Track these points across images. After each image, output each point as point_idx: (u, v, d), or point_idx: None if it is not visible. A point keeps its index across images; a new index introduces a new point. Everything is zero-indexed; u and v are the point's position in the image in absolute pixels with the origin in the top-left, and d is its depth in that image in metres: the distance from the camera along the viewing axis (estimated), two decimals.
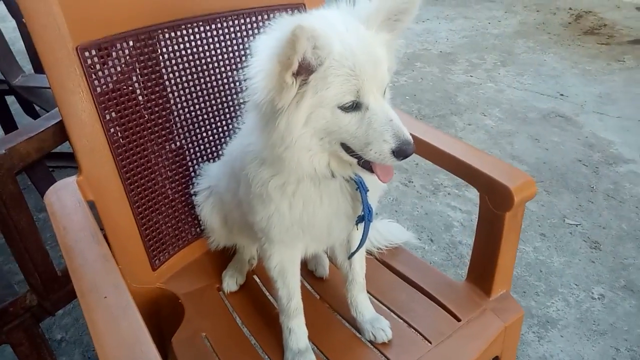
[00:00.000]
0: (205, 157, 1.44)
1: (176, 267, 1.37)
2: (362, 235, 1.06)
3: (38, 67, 2.17)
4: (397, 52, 0.97)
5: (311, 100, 0.84)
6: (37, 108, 2.34)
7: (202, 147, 1.43)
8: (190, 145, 1.41)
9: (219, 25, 1.37)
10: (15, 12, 2.21)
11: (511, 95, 3.62)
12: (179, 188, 1.38)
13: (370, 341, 1.18)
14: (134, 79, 1.25)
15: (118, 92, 1.21)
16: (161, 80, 1.31)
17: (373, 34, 0.89)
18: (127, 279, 1.25)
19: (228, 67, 1.42)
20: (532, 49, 4.41)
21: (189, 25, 1.33)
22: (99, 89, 1.17)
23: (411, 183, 2.68)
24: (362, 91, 0.85)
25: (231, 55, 1.41)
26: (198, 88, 1.39)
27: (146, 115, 1.28)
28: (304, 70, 0.82)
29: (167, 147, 1.35)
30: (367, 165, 0.92)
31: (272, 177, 0.98)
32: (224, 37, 1.39)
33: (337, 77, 0.83)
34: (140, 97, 1.27)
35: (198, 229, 1.42)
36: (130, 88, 1.24)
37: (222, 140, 1.45)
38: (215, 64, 1.40)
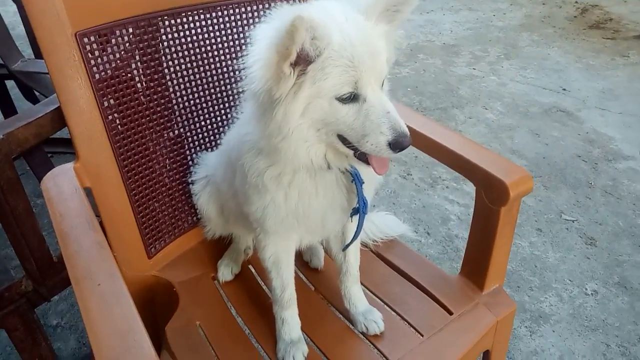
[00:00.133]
0: (203, 146, 1.44)
1: (172, 256, 1.38)
2: (357, 228, 1.06)
3: (38, 53, 2.16)
4: (397, 43, 0.97)
5: (309, 90, 0.84)
6: (37, 93, 2.33)
7: (200, 135, 1.43)
8: (188, 133, 1.41)
9: (220, 14, 1.37)
10: None
11: (513, 89, 3.60)
12: (177, 176, 1.38)
13: (362, 333, 1.19)
14: (133, 66, 1.25)
15: (117, 79, 1.21)
16: (160, 68, 1.30)
17: (372, 25, 0.89)
18: (122, 266, 1.25)
19: (228, 56, 1.41)
20: (537, 42, 4.38)
21: (189, 13, 1.32)
22: (97, 76, 1.17)
23: (409, 176, 2.68)
24: (360, 83, 0.85)
25: (231, 43, 1.40)
26: (197, 76, 1.39)
27: (145, 103, 1.28)
28: (302, 61, 0.82)
29: (166, 135, 1.35)
30: (363, 157, 0.92)
31: (268, 168, 0.98)
32: (224, 26, 1.38)
33: (336, 67, 0.83)
34: (139, 85, 1.26)
35: (195, 218, 1.43)
36: (129, 75, 1.24)
37: (221, 129, 1.45)
38: (215, 52, 1.39)
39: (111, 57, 1.19)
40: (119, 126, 1.23)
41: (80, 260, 0.91)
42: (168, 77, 1.33)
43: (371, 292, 1.30)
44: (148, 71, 1.27)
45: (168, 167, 1.36)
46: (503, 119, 3.23)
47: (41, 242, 1.33)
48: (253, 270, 1.38)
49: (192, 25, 1.33)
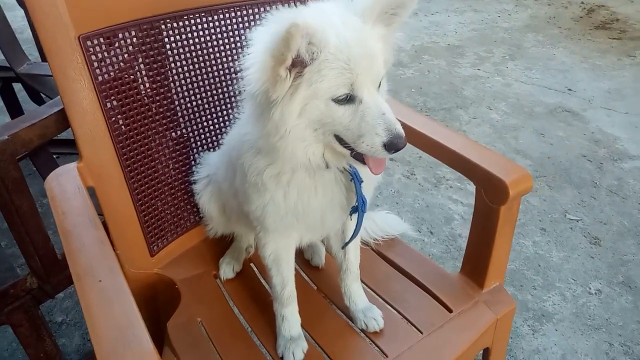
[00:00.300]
0: (206, 146, 1.46)
1: (174, 254, 1.39)
2: (356, 226, 1.07)
3: (44, 56, 2.19)
4: (396, 44, 0.97)
5: (305, 92, 0.85)
6: (43, 95, 2.37)
7: (203, 136, 1.45)
8: (191, 134, 1.43)
9: (222, 17, 1.38)
10: (23, 1, 2.24)
11: (518, 90, 3.60)
12: (179, 176, 1.40)
13: (362, 330, 1.20)
14: (136, 68, 1.27)
15: (119, 81, 1.23)
16: (163, 70, 1.32)
17: (369, 28, 0.89)
18: (125, 264, 1.29)
19: (230, 58, 1.43)
20: (542, 43, 4.37)
21: (191, 16, 1.34)
22: (100, 78, 1.19)
23: (413, 175, 2.69)
24: (356, 84, 0.86)
25: (233, 46, 1.42)
26: (200, 78, 1.41)
27: (148, 104, 1.29)
28: (299, 64, 0.83)
29: (169, 135, 1.36)
30: (360, 157, 0.93)
31: (267, 167, 1.00)
32: (226, 28, 1.40)
33: (332, 70, 0.84)
34: (142, 86, 1.28)
35: (197, 217, 1.45)
36: (132, 77, 1.26)
37: (224, 129, 1.46)
38: (217, 55, 1.41)
39: (114, 59, 1.21)
40: (122, 127, 1.25)
41: (82, 257, 0.93)
42: (171, 79, 1.35)
43: (371, 289, 1.31)
44: (151, 73, 1.29)
45: (171, 167, 1.38)
46: (508, 119, 3.22)
47: (46, 241, 1.35)
48: (254, 268, 1.40)
49: (194, 28, 1.35)
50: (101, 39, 1.18)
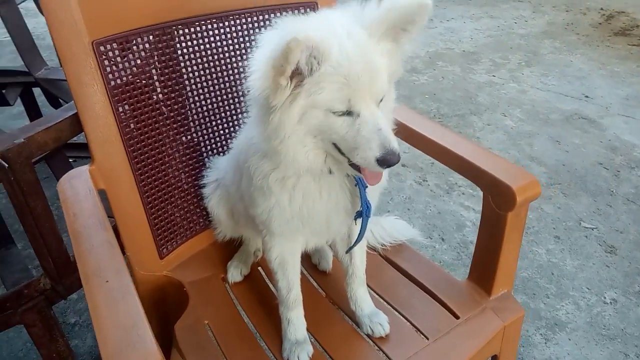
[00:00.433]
0: (216, 150, 1.48)
1: (183, 257, 1.41)
2: (360, 231, 1.08)
3: None
4: (405, 56, 0.96)
5: (304, 101, 0.86)
6: (61, 100, 2.42)
7: (213, 140, 1.47)
8: (202, 138, 1.44)
9: (232, 23, 1.41)
10: None
11: (534, 96, 3.56)
12: (189, 180, 1.42)
13: (368, 335, 1.20)
14: (149, 73, 1.30)
15: (132, 86, 1.25)
16: (174, 75, 1.34)
17: (375, 42, 0.88)
18: (135, 266, 1.31)
19: (240, 63, 1.45)
20: (559, 49, 4.33)
21: (202, 22, 1.36)
22: (112, 83, 1.21)
23: (425, 182, 2.68)
24: (354, 100, 0.86)
25: (243, 52, 1.44)
26: (210, 83, 1.43)
27: (159, 109, 1.32)
28: (299, 74, 0.84)
29: (180, 140, 1.39)
30: (357, 166, 0.93)
31: (272, 170, 1.01)
32: (237, 34, 1.42)
33: (331, 84, 0.85)
34: (153, 91, 1.31)
35: (206, 220, 1.46)
36: (144, 82, 1.29)
37: (234, 134, 1.48)
38: (227, 60, 1.43)
39: (126, 64, 1.24)
40: (134, 130, 1.28)
41: (90, 258, 0.94)
42: (182, 84, 1.37)
43: (378, 295, 1.31)
44: (162, 78, 1.32)
45: (181, 171, 1.40)
46: (522, 126, 3.19)
47: (59, 242, 1.38)
48: (262, 272, 1.40)
49: (205, 34, 1.37)
50: (114, 45, 1.20)
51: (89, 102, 1.18)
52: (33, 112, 2.59)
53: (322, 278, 1.38)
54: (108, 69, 1.20)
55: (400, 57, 0.95)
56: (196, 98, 1.41)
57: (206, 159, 1.44)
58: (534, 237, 2.31)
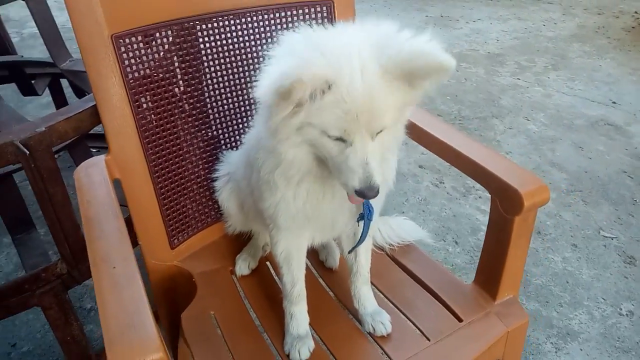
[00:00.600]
0: (233, 145, 1.50)
1: (194, 248, 1.44)
2: (362, 234, 1.08)
3: None
4: (425, 94, 0.93)
5: (303, 119, 0.87)
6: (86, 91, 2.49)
7: (231, 133, 1.49)
8: (220, 132, 1.47)
9: (249, 19, 1.42)
10: None
11: (559, 101, 3.49)
12: (202, 173, 1.45)
13: (369, 333, 1.21)
14: (166, 67, 1.33)
15: (149, 79, 1.29)
16: (191, 70, 1.37)
17: (387, 81, 0.85)
18: (146, 255, 1.34)
19: (255, 60, 1.47)
20: (588, 53, 4.23)
21: (219, 19, 1.39)
22: (130, 76, 1.25)
23: (442, 184, 2.66)
24: (349, 131, 0.87)
25: (259, 48, 1.46)
26: (228, 78, 1.45)
27: (175, 102, 1.35)
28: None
29: (199, 135, 1.42)
30: None
31: (277, 166, 1.02)
32: (254, 31, 1.44)
33: (330, 113, 0.85)
34: (170, 85, 1.34)
35: (218, 213, 1.49)
36: (162, 76, 1.32)
37: (247, 129, 1.50)
38: (243, 56, 1.45)
39: (144, 58, 1.27)
40: (153, 122, 1.31)
41: (100, 244, 0.97)
42: (201, 79, 1.40)
43: (383, 294, 1.31)
44: (178, 71, 1.34)
45: (200, 167, 1.43)
46: (545, 131, 3.14)
47: (76, 229, 1.43)
48: (270, 267, 1.42)
49: (222, 30, 1.39)
50: (133, 39, 1.24)
51: (107, 93, 1.22)
52: (60, 102, 2.66)
53: (328, 275, 1.40)
54: (126, 62, 1.24)
55: (418, 94, 0.91)
56: (214, 92, 1.43)
57: (220, 154, 1.47)
58: (551, 244, 2.27)
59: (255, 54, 1.46)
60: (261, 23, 1.44)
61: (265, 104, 0.88)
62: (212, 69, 1.42)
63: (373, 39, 0.87)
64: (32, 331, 1.90)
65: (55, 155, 1.43)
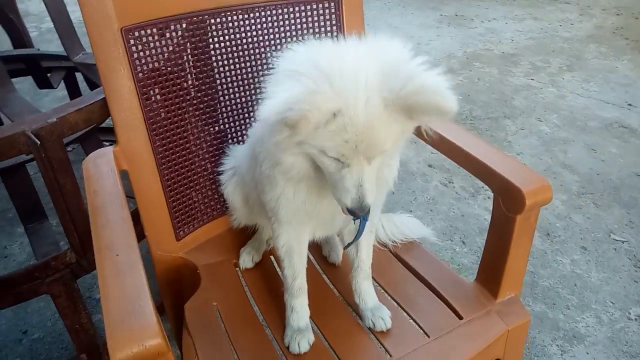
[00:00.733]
0: (236, 139, 1.52)
1: (199, 240, 1.46)
2: (357, 232, 1.08)
3: None
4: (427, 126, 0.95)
5: (303, 138, 0.88)
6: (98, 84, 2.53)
7: (239, 127, 1.51)
8: (228, 125, 1.49)
9: (258, 14, 1.44)
10: None
11: (573, 102, 3.45)
12: (209, 166, 1.47)
13: (369, 328, 1.22)
14: (175, 61, 1.35)
15: (158, 72, 1.31)
16: (199, 64, 1.39)
17: (389, 112, 0.85)
18: (152, 245, 1.36)
19: (263, 55, 1.48)
20: (605, 54, 4.17)
21: (228, 13, 1.40)
22: (139, 68, 1.27)
23: (451, 184, 2.65)
24: (347, 156, 0.88)
25: (267, 43, 1.47)
26: (236, 73, 1.46)
27: (183, 96, 1.37)
28: None
29: (207, 130, 1.44)
30: None
31: (278, 165, 1.03)
32: (262, 26, 1.45)
33: (330, 138, 0.86)
34: (179, 79, 1.36)
35: (224, 207, 1.51)
36: (170, 69, 1.34)
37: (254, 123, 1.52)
38: (252, 52, 1.46)
39: (153, 52, 1.29)
40: (161, 114, 1.33)
41: (105, 232, 1.00)
42: (211, 73, 1.41)
43: (384, 290, 1.32)
44: (190, 66, 1.36)
45: (201, 157, 1.45)
46: (558, 132, 3.11)
47: (85, 219, 1.45)
48: (273, 260, 1.44)
49: (230, 25, 1.40)
50: (142, 32, 1.26)
51: (116, 86, 1.24)
52: (75, 95, 2.71)
53: (331, 270, 1.41)
54: (135, 55, 1.26)
55: (416, 125, 0.93)
56: (222, 87, 1.45)
57: (226, 148, 1.49)
58: (560, 246, 2.25)
59: (263, 49, 1.47)
60: (269, 18, 1.46)
61: (268, 124, 0.88)
62: (221, 63, 1.43)
63: (381, 64, 0.86)
64: (43, 319, 1.94)
65: (68, 148, 1.47)
